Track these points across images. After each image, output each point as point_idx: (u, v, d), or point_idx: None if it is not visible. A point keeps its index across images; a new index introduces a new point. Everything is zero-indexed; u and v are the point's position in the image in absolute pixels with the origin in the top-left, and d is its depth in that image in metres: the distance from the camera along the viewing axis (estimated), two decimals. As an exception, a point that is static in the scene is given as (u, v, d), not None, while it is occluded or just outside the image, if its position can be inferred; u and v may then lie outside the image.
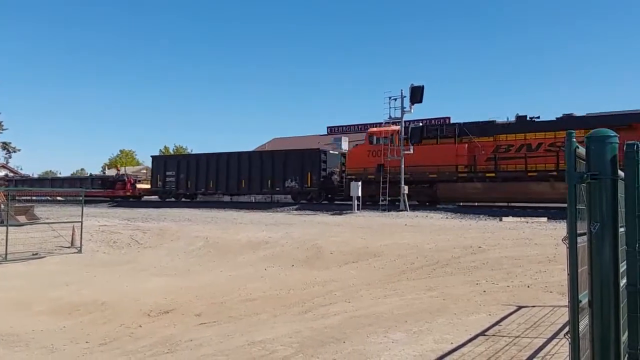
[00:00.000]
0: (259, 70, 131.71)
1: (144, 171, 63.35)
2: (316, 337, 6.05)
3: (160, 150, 79.27)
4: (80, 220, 15.69)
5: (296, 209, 28.36)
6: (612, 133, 2.81)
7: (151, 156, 39.97)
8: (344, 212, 25.28)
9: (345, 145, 47.86)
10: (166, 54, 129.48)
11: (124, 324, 7.71)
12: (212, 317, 7.78)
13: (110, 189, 40.65)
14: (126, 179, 41.33)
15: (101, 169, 70.95)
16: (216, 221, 20.62)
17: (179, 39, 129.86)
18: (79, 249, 15.23)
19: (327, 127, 55.69)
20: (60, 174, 69.73)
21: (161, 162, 37.66)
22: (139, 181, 42.54)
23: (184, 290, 9.91)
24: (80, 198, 17.35)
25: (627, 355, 2.91)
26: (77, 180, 45.29)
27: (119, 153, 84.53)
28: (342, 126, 54.87)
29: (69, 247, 15.60)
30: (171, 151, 78.38)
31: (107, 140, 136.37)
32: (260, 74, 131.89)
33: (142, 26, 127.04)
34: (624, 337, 2.88)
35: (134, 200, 39.85)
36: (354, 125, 54.15)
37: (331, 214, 24.69)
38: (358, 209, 25.99)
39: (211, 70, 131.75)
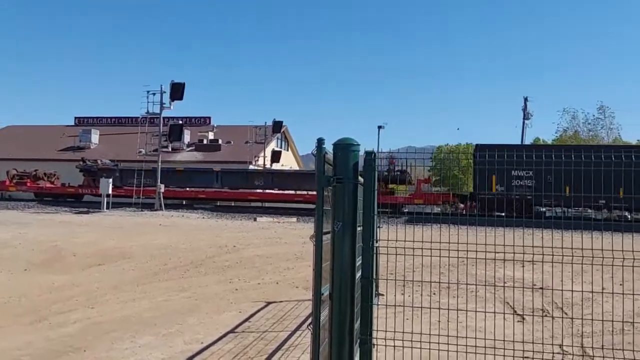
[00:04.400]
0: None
1: None
2: (52, 347, 5.41)
3: None
4: None
5: (32, 207, 25.15)
6: (355, 142, 3.12)
7: (476, 145, 25.77)
8: (92, 211, 23.39)
9: (95, 139, 44.39)
10: None
11: None
12: None
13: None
14: None
15: None
16: None
17: None
18: None
19: (75, 118, 50.90)
20: None
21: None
22: None
23: None
24: None
25: (358, 341, 3.25)
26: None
27: None
28: (92, 118, 50.70)
29: None
30: None
31: None
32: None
33: None
34: (356, 325, 3.21)
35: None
36: (106, 117, 50.55)
37: (76, 213, 22.59)
38: (108, 208, 24.33)
39: None
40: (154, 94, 26.57)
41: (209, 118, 48.34)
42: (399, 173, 24.24)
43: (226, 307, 7.12)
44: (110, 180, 25.77)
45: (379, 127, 41.35)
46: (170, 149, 32.40)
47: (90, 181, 30.86)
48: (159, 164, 26.54)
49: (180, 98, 26.25)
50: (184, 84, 26.06)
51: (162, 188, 25.99)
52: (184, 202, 29.28)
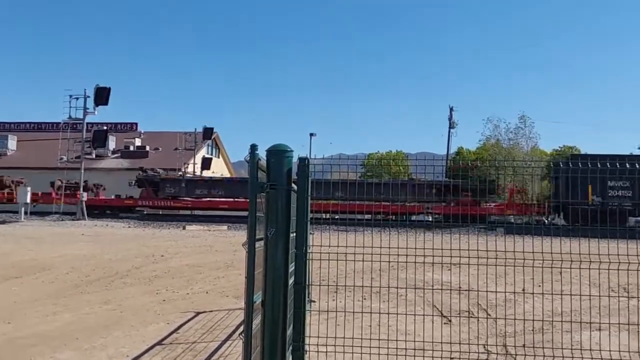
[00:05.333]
0: None
1: None
2: (-39, 368, 5.02)
3: None
4: None
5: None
6: (289, 148, 3.11)
7: (570, 154, 23.86)
8: (8, 221, 22.04)
9: (12, 145, 41.87)
10: None
11: None
12: None
13: None
14: None
15: None
16: None
17: None
18: None
19: (-10, 123, 47.88)
20: None
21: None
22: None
23: None
24: None
25: (291, 347, 3.23)
26: None
27: None
28: (9, 123, 47.87)
29: None
30: None
31: None
32: None
33: None
34: (289, 331, 3.19)
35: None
36: (24, 123, 47.89)
37: (-10, 223, 21.20)
38: (26, 217, 22.99)
39: None
40: (77, 98, 25.48)
41: (136, 124, 46.88)
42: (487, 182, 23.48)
43: (153, 319, 6.88)
44: (29, 188, 24.33)
45: (311, 135, 41.68)
46: (94, 156, 31.09)
47: (150, 192, 29.02)
48: (82, 171, 25.42)
49: (105, 103, 25.31)
50: (109, 88, 25.14)
51: (85, 196, 24.91)
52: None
